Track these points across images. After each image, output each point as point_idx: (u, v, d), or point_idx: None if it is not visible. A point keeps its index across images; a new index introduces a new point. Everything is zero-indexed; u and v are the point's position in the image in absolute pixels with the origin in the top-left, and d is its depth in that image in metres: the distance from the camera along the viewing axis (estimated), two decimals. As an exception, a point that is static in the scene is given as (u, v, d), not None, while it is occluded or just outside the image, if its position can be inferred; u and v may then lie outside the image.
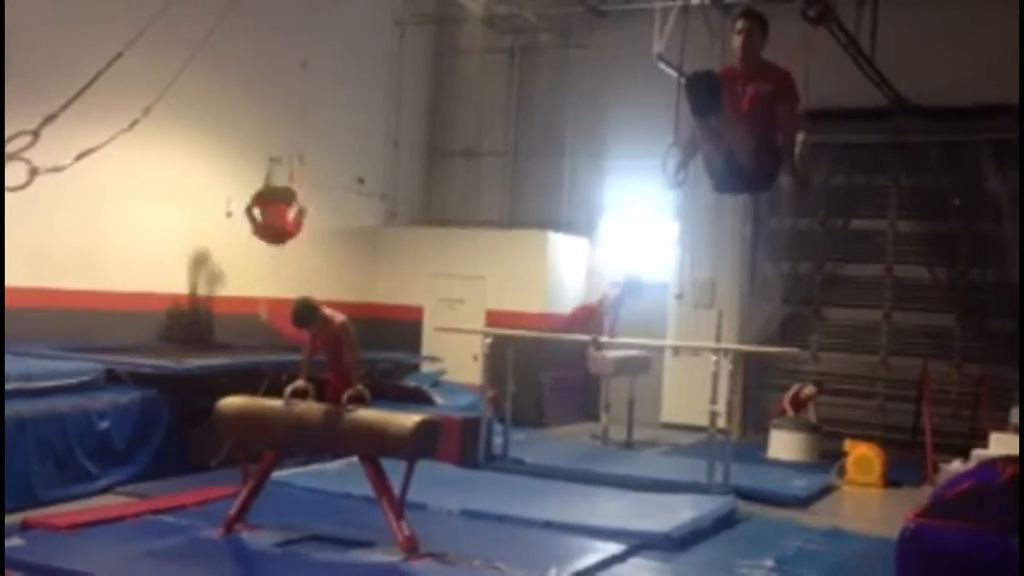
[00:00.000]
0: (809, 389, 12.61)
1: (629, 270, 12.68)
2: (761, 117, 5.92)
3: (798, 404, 12.49)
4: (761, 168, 6.03)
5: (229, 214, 10.72)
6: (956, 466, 9.82)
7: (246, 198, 11.42)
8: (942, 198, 13.39)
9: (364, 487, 6.91)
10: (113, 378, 9.11)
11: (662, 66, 10.90)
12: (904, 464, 11.20)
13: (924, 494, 7.71)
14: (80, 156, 7.83)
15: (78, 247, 10.74)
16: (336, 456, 8.86)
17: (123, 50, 7.67)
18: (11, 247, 9.17)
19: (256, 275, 12.81)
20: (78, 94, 7.46)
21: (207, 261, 12.06)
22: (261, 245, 11.58)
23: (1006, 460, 6.38)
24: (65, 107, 7.41)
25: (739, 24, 6.02)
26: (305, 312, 7.26)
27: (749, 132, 5.88)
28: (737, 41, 5.99)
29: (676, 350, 13.51)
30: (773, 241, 14.29)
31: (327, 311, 7.41)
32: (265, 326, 11.48)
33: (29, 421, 7.80)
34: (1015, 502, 5.11)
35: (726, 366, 9.90)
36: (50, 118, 7.32)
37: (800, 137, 5.84)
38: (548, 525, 7.62)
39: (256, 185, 11.51)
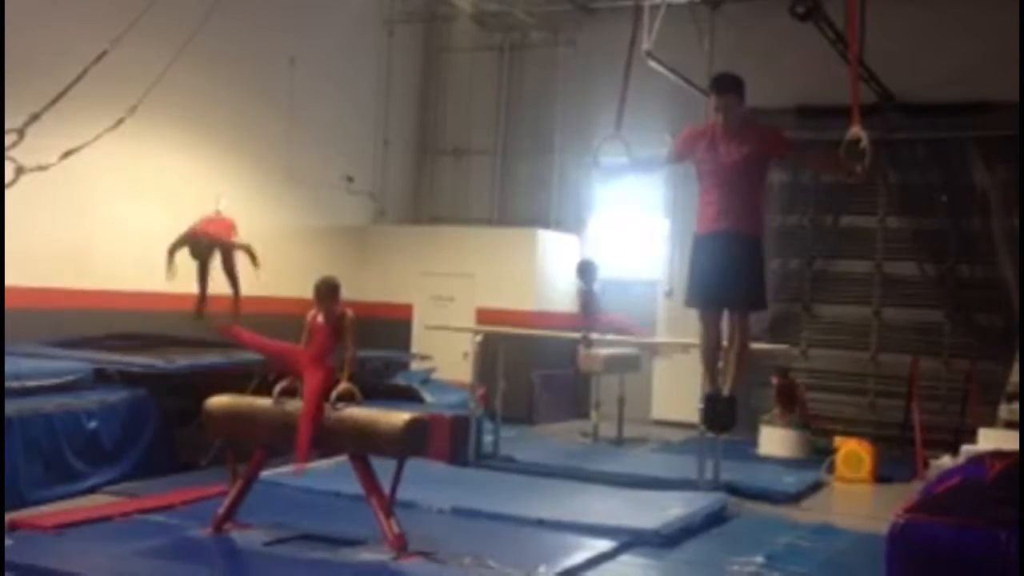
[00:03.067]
0: (778, 379, 12.52)
1: (580, 259, 12.57)
2: (745, 170, 5.91)
3: (791, 402, 12.42)
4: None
5: (218, 212, 10.71)
6: (945, 462, 9.84)
7: (235, 196, 11.31)
8: (930, 194, 13.44)
9: (354, 486, 6.88)
10: (101, 377, 9.05)
11: (651, 63, 10.89)
12: (894, 460, 11.22)
13: (914, 490, 7.74)
14: (66, 154, 7.80)
15: (65, 246, 10.67)
16: (326, 455, 8.83)
17: (108, 47, 7.63)
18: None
19: (243, 273, 12.74)
20: (63, 92, 7.42)
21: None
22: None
23: (994, 456, 6.42)
24: (50, 105, 7.37)
25: (714, 102, 5.97)
26: (333, 285, 7.07)
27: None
28: (717, 118, 5.94)
29: (666, 347, 13.48)
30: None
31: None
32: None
33: (17, 421, 7.75)
34: (1004, 497, 5.12)
35: (716, 363, 9.88)
36: (35, 116, 7.28)
37: (859, 131, 5.75)
38: (539, 523, 7.60)
39: (244, 179, 11.39)
